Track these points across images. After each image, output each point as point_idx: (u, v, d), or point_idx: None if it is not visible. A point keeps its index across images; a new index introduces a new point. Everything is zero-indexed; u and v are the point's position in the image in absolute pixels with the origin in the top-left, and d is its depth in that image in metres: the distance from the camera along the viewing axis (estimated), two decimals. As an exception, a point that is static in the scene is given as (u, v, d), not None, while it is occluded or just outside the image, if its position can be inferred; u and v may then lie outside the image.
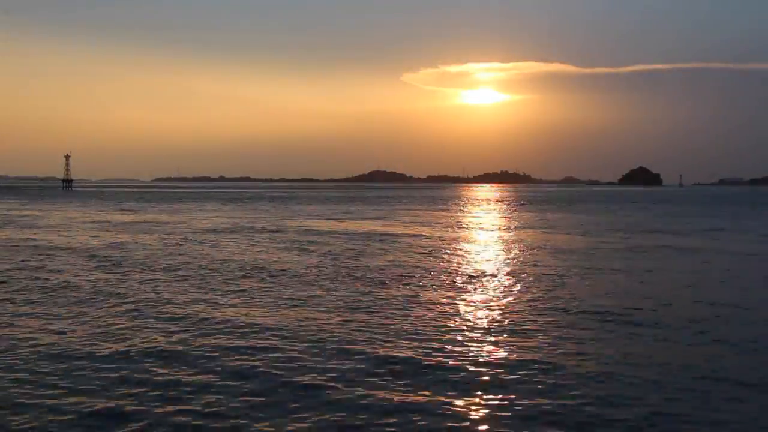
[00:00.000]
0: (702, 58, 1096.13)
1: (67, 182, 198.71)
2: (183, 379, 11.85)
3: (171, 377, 11.97)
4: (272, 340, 14.53)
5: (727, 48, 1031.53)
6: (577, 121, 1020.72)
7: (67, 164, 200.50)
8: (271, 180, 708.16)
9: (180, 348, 13.85)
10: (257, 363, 12.81)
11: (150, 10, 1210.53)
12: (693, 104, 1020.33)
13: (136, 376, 12.03)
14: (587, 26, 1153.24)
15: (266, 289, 21.12)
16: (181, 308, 18.01)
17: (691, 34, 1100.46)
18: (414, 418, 10.11)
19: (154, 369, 12.43)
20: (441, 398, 10.97)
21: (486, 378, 12.04)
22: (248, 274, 24.53)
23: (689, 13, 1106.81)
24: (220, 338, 14.70)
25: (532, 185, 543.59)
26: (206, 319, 16.61)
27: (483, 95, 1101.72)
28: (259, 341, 14.40)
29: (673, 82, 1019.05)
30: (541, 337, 14.97)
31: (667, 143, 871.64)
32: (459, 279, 23.61)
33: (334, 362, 12.89)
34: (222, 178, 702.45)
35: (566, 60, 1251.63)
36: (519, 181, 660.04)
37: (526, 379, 11.97)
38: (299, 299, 19.41)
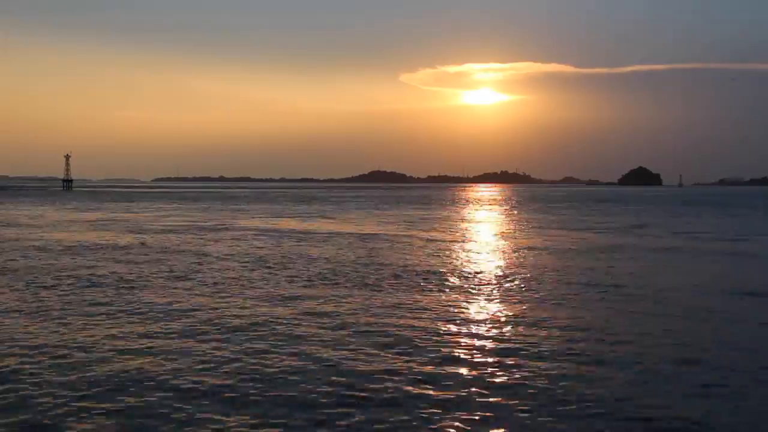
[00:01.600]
0: (700, 58, 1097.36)
1: (67, 182, 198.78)
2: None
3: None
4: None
5: (724, 48, 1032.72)
6: (576, 121, 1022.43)
7: (67, 164, 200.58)
8: (272, 180, 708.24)
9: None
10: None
11: (149, 10, 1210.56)
12: (693, 104, 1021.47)
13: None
14: (583, 27, 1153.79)
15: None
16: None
17: (688, 34, 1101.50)
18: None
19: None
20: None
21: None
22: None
23: (685, 14, 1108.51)
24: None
25: (532, 185, 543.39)
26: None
27: (482, 95, 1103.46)
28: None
29: (671, 83, 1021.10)
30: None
31: (668, 143, 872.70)
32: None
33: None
34: (222, 178, 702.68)
35: (564, 60, 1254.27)
36: (519, 181, 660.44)
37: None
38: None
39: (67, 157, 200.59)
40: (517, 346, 14.22)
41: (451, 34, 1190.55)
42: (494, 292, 21.01)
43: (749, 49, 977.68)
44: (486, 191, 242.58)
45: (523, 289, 21.52)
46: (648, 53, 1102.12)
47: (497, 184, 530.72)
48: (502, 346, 14.25)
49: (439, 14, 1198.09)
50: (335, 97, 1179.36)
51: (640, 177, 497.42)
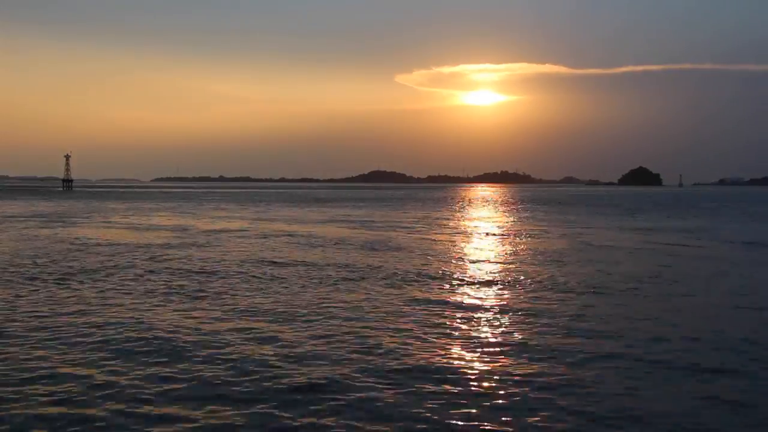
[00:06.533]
0: (694, 58, 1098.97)
1: (68, 182, 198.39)
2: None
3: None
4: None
5: (719, 48, 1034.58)
6: (574, 121, 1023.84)
7: (67, 164, 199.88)
8: (271, 180, 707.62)
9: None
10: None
11: (150, 10, 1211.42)
12: (690, 104, 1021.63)
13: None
14: (577, 27, 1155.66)
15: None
16: None
17: (682, 34, 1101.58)
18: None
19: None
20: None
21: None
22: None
23: (679, 14, 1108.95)
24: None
25: (532, 186, 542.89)
26: None
27: (478, 96, 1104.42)
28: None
29: (667, 83, 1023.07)
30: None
31: (667, 143, 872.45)
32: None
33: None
34: (222, 178, 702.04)
35: (558, 61, 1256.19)
36: (519, 181, 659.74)
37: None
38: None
39: (67, 157, 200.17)
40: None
41: (445, 36, 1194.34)
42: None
43: (745, 49, 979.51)
44: (472, 192, 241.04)
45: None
46: (642, 54, 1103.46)
47: (497, 184, 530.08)
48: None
49: (432, 15, 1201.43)
50: (333, 98, 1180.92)
51: (640, 177, 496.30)
